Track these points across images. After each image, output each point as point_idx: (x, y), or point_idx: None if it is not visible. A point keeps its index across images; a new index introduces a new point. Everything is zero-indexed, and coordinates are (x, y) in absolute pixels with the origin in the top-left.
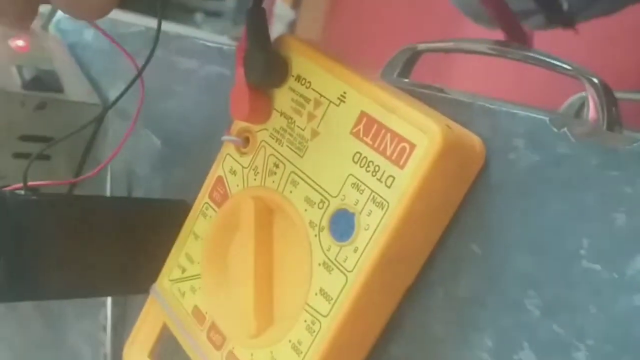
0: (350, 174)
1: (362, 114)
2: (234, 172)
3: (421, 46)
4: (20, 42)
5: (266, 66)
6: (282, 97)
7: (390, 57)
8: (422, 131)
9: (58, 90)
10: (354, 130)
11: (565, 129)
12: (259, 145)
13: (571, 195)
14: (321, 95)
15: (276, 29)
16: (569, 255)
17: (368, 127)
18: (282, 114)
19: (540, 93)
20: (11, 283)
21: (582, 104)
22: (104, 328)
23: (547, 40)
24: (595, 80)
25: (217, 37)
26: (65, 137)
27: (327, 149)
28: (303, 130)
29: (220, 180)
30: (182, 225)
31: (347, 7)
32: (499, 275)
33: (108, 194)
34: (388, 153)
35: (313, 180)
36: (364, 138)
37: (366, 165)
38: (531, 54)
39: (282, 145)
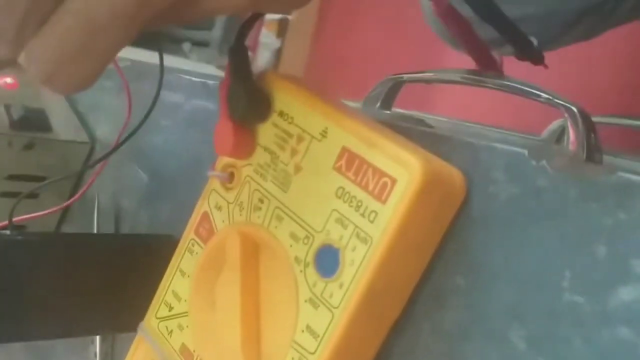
0: (334, 209)
1: (344, 149)
2: (219, 208)
3: (402, 77)
4: (8, 80)
5: (249, 102)
6: (266, 133)
7: (372, 84)
8: (403, 166)
9: (46, 130)
10: (337, 166)
11: (543, 161)
12: (244, 180)
13: (552, 227)
14: (303, 131)
15: (262, 57)
16: (552, 287)
17: (350, 162)
18: (265, 149)
19: (526, 116)
20: None
21: (564, 130)
22: None
23: (527, 64)
24: (573, 109)
25: (203, 69)
26: (57, 180)
27: (310, 184)
28: (286, 165)
29: (205, 215)
30: (170, 260)
31: (331, 35)
32: (483, 308)
33: (95, 229)
34: (370, 188)
35: (297, 216)
36: (346, 173)
37: (349, 201)
38: (507, 83)
39: (266, 181)
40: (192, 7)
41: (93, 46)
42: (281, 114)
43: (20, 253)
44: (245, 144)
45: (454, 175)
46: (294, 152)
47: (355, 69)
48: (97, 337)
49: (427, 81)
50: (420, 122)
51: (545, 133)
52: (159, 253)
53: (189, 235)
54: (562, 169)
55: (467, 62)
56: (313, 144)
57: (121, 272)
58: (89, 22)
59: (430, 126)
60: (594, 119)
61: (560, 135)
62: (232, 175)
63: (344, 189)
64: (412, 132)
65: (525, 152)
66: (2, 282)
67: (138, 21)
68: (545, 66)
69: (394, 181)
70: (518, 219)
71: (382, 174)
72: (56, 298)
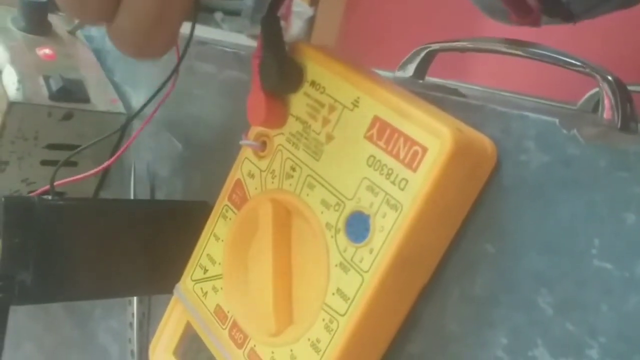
0: (365, 177)
1: (375, 118)
2: (252, 176)
3: (435, 46)
4: (47, 51)
5: (281, 73)
6: (298, 102)
7: (406, 53)
8: (434, 135)
9: (84, 100)
10: (368, 134)
11: (574, 130)
12: (276, 149)
13: (582, 196)
14: (335, 101)
15: (295, 26)
16: (580, 254)
17: (381, 131)
18: (297, 118)
19: (563, 85)
20: (40, 285)
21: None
22: (131, 325)
23: (564, 33)
24: (609, 78)
25: (234, 39)
26: (91, 145)
27: (342, 152)
28: (318, 134)
29: (239, 183)
30: (204, 225)
31: (364, 3)
32: (512, 274)
33: (132, 195)
34: (401, 156)
35: (329, 183)
36: (378, 142)
37: (380, 169)
38: (541, 52)
39: (298, 149)
40: None
41: (167, 14)
42: (313, 83)
43: (61, 217)
44: (277, 114)
45: (485, 143)
46: (325, 122)
47: (389, 38)
48: (135, 299)
49: (461, 50)
50: (454, 91)
51: (582, 101)
52: (194, 218)
53: (222, 201)
54: (594, 138)
55: (502, 31)
56: (345, 114)
57: (157, 236)
58: None
59: (463, 95)
60: (631, 87)
61: (596, 104)
62: (264, 144)
63: (375, 157)
64: (444, 102)
65: (557, 121)
66: (44, 245)
67: None
68: (574, 22)
69: (425, 150)
70: (548, 187)
71: (413, 142)
72: (95, 260)
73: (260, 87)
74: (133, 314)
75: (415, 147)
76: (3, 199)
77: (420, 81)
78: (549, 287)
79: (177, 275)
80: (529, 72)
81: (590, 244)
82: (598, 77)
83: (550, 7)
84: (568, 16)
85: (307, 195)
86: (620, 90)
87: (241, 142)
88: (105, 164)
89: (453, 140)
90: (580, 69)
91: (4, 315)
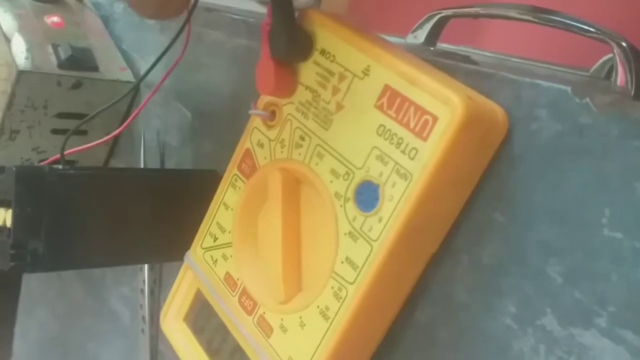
0: (375, 146)
1: (386, 87)
2: (261, 145)
3: (447, 12)
4: (55, 19)
5: (291, 41)
6: (307, 71)
7: (418, 18)
8: (444, 103)
9: (93, 69)
10: (378, 104)
11: (587, 99)
12: (285, 118)
13: (593, 165)
14: (345, 69)
15: None
16: (590, 223)
17: (391, 100)
18: (307, 87)
19: (576, 49)
20: (52, 253)
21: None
22: (142, 292)
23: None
24: (624, 44)
25: (244, 5)
26: (99, 113)
27: (351, 121)
28: (328, 103)
29: (248, 152)
30: (214, 194)
31: None
32: (522, 243)
33: (142, 164)
34: (411, 125)
35: (338, 153)
36: (388, 111)
37: (390, 138)
38: (555, 18)
39: (307, 119)
40: None
41: None
42: (323, 52)
43: (71, 186)
44: (286, 83)
45: (497, 112)
46: (335, 91)
47: (401, 4)
48: (146, 266)
49: (474, 16)
50: (465, 58)
51: (595, 67)
52: (203, 187)
53: (232, 171)
54: (607, 107)
55: None
56: (355, 82)
57: (167, 204)
58: None
59: (475, 62)
60: None
61: (610, 70)
62: (273, 113)
63: (384, 126)
64: (456, 69)
65: (569, 89)
66: (55, 214)
67: None
68: None
69: (435, 119)
70: (559, 156)
71: (424, 111)
72: (106, 229)
73: (270, 55)
74: (144, 281)
75: (426, 116)
76: (14, 169)
77: (432, 48)
78: (559, 256)
79: (187, 243)
80: (542, 39)
81: (600, 213)
82: (612, 43)
83: None
84: None
85: (317, 164)
86: (634, 56)
87: (250, 112)
88: (115, 132)
89: (464, 109)
90: (594, 35)
91: (17, 283)
